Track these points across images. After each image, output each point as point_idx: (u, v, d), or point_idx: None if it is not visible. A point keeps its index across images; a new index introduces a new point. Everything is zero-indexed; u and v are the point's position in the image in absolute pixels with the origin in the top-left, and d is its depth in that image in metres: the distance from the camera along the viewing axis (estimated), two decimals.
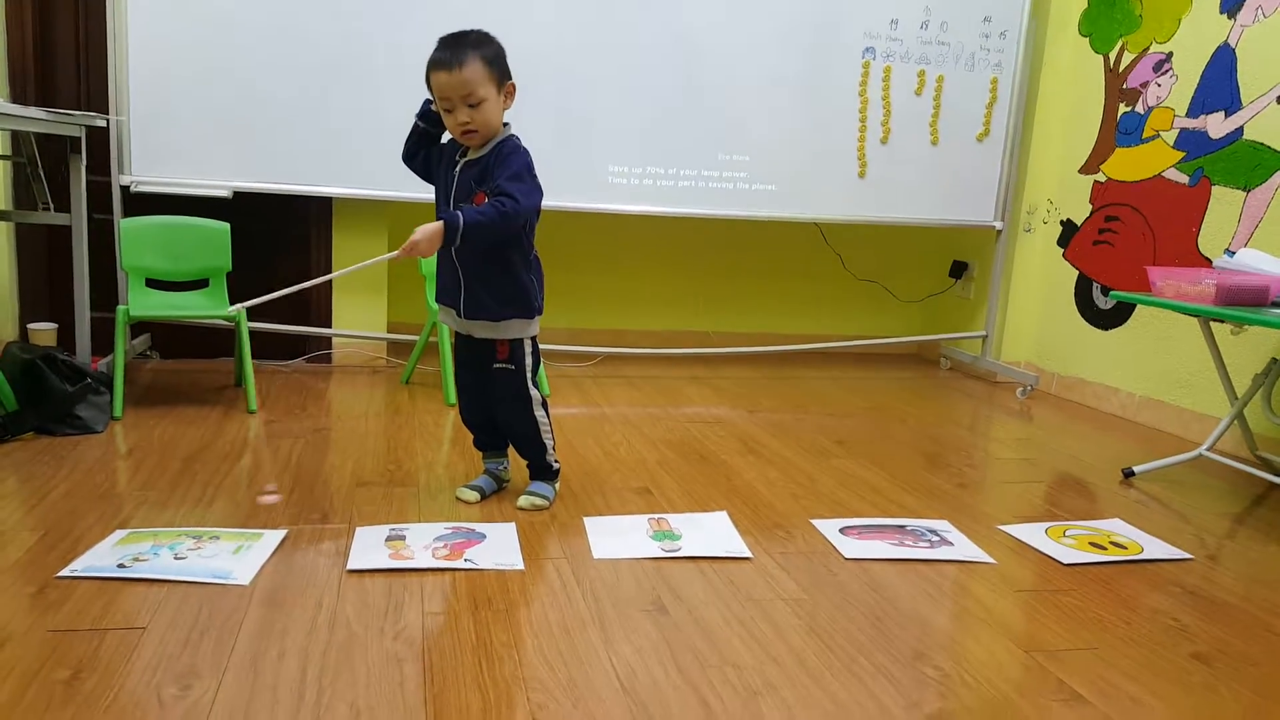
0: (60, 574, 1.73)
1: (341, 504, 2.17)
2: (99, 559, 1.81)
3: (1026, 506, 2.45)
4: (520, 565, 1.88)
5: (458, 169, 2.06)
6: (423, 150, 2.14)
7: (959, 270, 4.45)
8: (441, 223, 1.92)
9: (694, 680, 1.49)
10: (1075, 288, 3.91)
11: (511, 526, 2.07)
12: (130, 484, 2.25)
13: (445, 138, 2.12)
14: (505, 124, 2.07)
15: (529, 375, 2.14)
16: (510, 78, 2.04)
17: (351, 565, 1.83)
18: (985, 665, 1.59)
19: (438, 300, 2.17)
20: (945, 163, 3.94)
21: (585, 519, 2.14)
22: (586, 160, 3.55)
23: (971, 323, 4.36)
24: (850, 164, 3.85)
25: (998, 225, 4.06)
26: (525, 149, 2.05)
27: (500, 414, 2.20)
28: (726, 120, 3.66)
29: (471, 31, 2.00)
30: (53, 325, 3.31)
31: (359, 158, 3.32)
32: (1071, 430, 3.35)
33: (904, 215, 3.94)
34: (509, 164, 2.00)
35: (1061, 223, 3.99)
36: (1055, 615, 1.80)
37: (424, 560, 1.87)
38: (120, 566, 1.77)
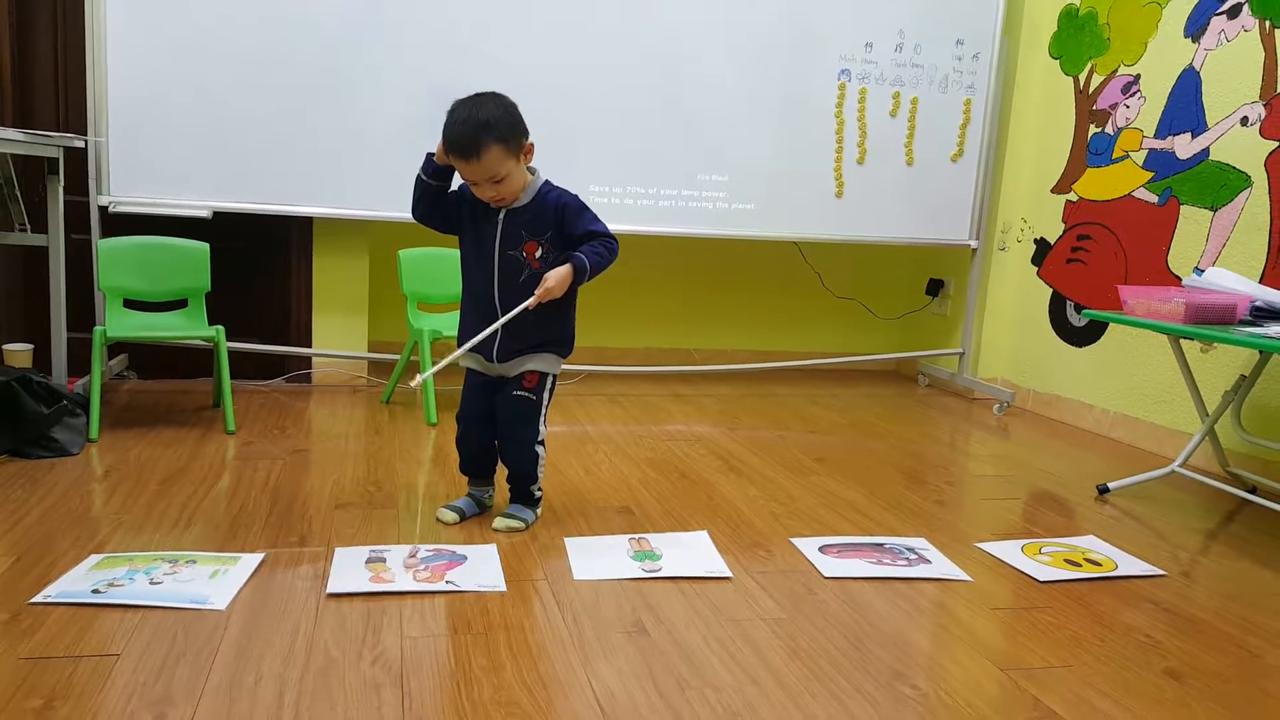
0: (33, 600, 1.71)
1: (320, 526, 2.16)
2: (73, 584, 1.79)
3: (1003, 523, 2.48)
4: (502, 587, 1.87)
5: (501, 218, 2.08)
6: (439, 206, 2.12)
7: (935, 288, 4.50)
8: (570, 266, 2.04)
9: (673, 702, 1.49)
10: (1049, 305, 3.96)
11: (493, 548, 2.07)
12: (106, 507, 2.23)
13: (456, 181, 2.11)
14: (531, 169, 2.09)
15: (543, 410, 2.17)
16: (527, 136, 2.04)
17: (331, 589, 1.83)
18: (963, 684, 1.60)
19: (460, 344, 2.15)
20: (921, 183, 3.99)
21: (566, 539, 2.14)
22: (568, 180, 3.53)
23: (948, 340, 4.41)
24: (828, 184, 3.89)
25: (973, 244, 4.12)
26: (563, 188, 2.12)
27: (505, 439, 2.19)
28: (706, 141, 3.70)
29: (484, 105, 1.96)
30: (29, 346, 3.28)
31: (339, 177, 3.32)
32: (1047, 446, 3.39)
33: (881, 234, 3.99)
34: (575, 210, 2.09)
35: (1035, 241, 4.05)
36: (1031, 633, 1.82)
37: (405, 583, 1.86)
38: (95, 592, 1.76)
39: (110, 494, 2.31)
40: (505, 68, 3.36)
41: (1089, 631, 1.83)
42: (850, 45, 3.81)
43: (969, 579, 2.06)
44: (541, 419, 2.18)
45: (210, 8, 3.14)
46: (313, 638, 1.64)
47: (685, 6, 3.60)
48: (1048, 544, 2.31)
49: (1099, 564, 2.18)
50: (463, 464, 2.29)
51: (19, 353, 3.26)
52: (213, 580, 1.84)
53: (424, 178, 2.07)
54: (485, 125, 1.93)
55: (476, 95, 2.00)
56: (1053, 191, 3.95)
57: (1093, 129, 3.75)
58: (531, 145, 2.06)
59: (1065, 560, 2.19)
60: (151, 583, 1.81)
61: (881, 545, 2.22)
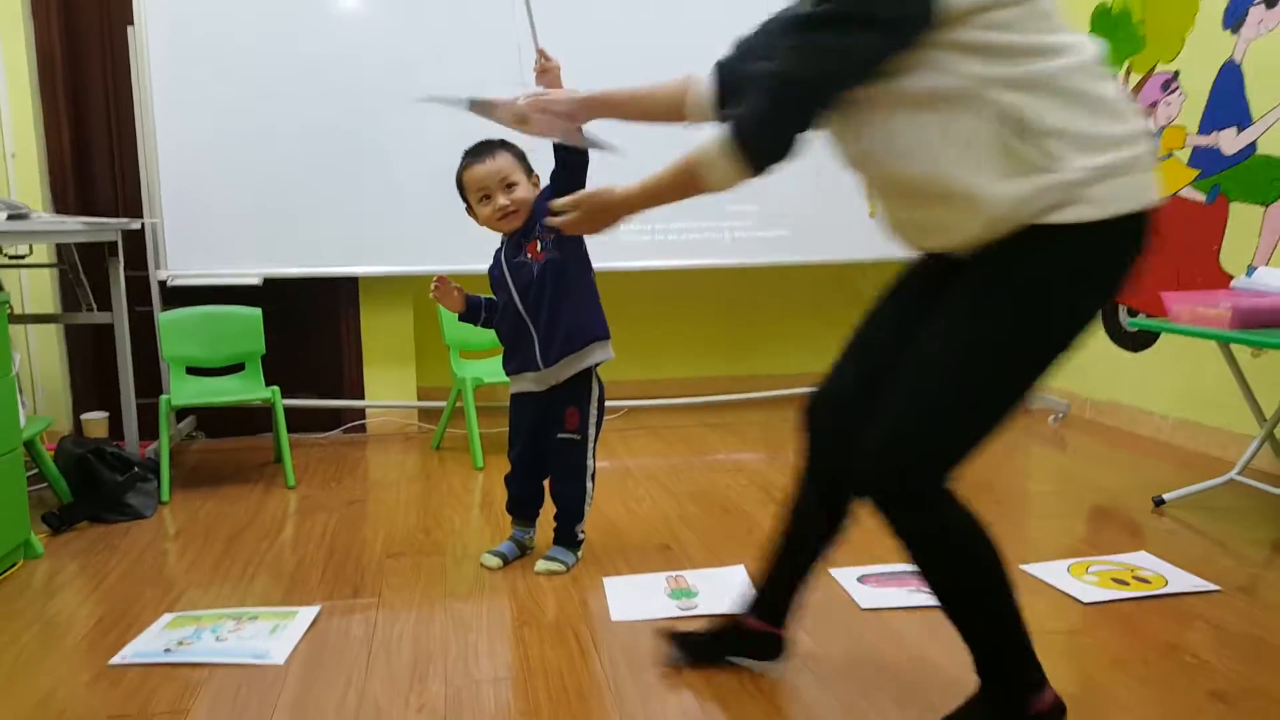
0: (112, 661, 1.83)
1: (372, 577, 2.26)
2: (148, 644, 1.91)
3: (1052, 543, 2.44)
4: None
5: (502, 239, 2.26)
6: (495, 311, 2.30)
7: None
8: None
9: None
10: (1103, 312, 3.88)
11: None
12: (177, 566, 2.36)
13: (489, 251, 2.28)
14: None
15: (590, 446, 2.25)
16: (534, 172, 2.22)
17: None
18: None
19: (509, 373, 2.30)
20: None
21: (605, 579, 2.20)
22: None
23: None
24: (861, 203, 3.88)
25: None
26: None
27: (555, 484, 2.29)
28: None
29: (493, 139, 2.19)
30: (104, 414, 3.49)
31: (381, 238, 3.48)
32: (1105, 457, 3.31)
33: None
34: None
35: None
36: (1072, 657, 1.80)
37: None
38: (167, 651, 1.87)
39: (181, 553, 2.45)
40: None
41: (1132, 654, 1.80)
42: None
43: None
44: (589, 454, 2.26)
45: (248, 89, 3.34)
46: (363, 688, 1.72)
47: (699, 30, 3.66)
48: (1096, 563, 2.27)
49: (1148, 581, 2.14)
50: (510, 502, 2.38)
51: (96, 421, 3.48)
52: (273, 635, 1.94)
53: (479, 321, 2.33)
54: (496, 141, 2.18)
55: None
56: None
57: None
58: (539, 179, 2.23)
59: (1112, 579, 2.15)
60: (218, 639, 1.92)
61: None
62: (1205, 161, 3.37)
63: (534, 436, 2.29)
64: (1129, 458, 3.30)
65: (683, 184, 1.42)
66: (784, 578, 1.67)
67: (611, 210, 1.52)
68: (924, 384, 1.33)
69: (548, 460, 2.29)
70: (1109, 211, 1.24)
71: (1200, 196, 3.39)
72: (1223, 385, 3.28)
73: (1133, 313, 3.69)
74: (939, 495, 1.36)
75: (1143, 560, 2.28)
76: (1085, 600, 2.04)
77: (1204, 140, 3.37)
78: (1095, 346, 3.90)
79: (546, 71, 2.00)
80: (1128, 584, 2.13)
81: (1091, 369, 3.94)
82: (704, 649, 1.77)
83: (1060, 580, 2.15)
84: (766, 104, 1.30)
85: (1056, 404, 3.91)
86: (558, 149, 2.06)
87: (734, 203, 3.76)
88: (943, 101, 1.24)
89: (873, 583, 2.15)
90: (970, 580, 1.39)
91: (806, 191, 3.81)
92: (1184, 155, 3.45)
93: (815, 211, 3.83)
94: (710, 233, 3.76)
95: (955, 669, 1.75)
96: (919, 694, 1.67)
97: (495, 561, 2.30)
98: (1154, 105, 3.58)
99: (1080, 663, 1.77)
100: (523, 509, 2.37)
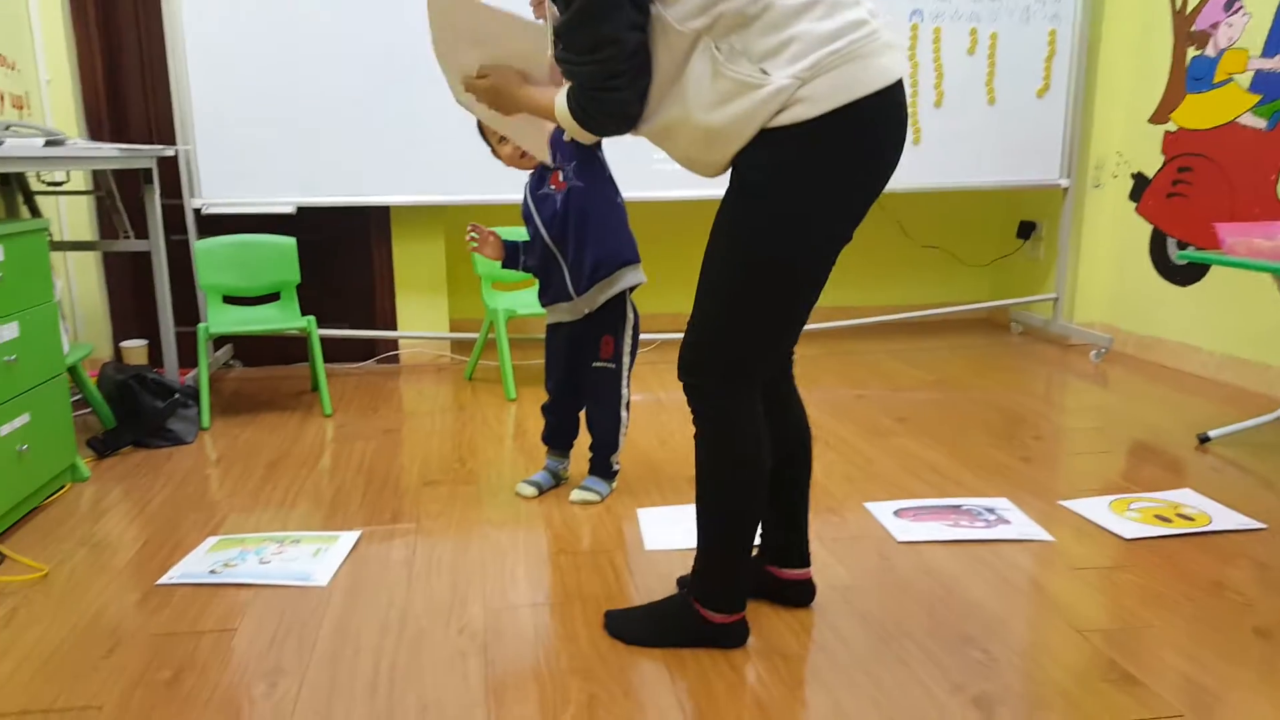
0: (160, 581, 1.88)
1: (410, 504, 2.28)
2: (193, 566, 1.96)
3: (1093, 479, 2.41)
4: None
5: (528, 176, 2.25)
6: (534, 251, 2.28)
7: (1027, 230, 4.34)
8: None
9: (739, 667, 1.54)
10: (1149, 243, 3.77)
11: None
12: (219, 491, 2.41)
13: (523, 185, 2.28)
14: None
15: (625, 374, 2.26)
16: None
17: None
18: (1035, 647, 1.59)
19: (544, 305, 2.30)
20: (1004, 122, 3.83)
21: (639, 510, 2.21)
22: (619, 151, 3.57)
23: (1042, 284, 4.25)
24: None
25: (1064, 183, 3.94)
26: None
27: (591, 412, 2.31)
28: None
29: None
30: (144, 342, 3.53)
31: (413, 166, 3.43)
32: (1148, 394, 3.25)
33: (964, 180, 3.85)
34: None
35: (1132, 176, 3.84)
36: (1112, 593, 1.78)
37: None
38: (212, 572, 1.92)
39: (223, 478, 2.50)
40: None
41: (1174, 590, 1.79)
42: None
43: (1050, 539, 2.03)
44: (623, 383, 2.26)
45: (281, 16, 3.28)
46: (405, 610, 1.75)
47: None
48: (1138, 499, 2.24)
49: (1191, 519, 2.11)
50: (545, 431, 2.39)
51: (135, 349, 3.52)
52: (315, 558, 1.98)
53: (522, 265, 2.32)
54: None
55: None
56: (1150, 122, 3.73)
57: (1192, 52, 3.52)
58: None
59: (1155, 516, 2.13)
60: (261, 562, 1.96)
61: (959, 507, 2.20)
62: (1268, 86, 3.21)
63: (571, 366, 2.29)
64: (1173, 394, 3.24)
65: (544, 108, 1.58)
66: (781, 517, 1.70)
67: (513, 100, 1.69)
68: (698, 296, 1.51)
69: (583, 390, 2.29)
70: (824, 108, 1.32)
71: (1260, 124, 3.24)
72: (1274, 320, 3.19)
73: (1182, 245, 3.58)
74: (714, 390, 1.50)
75: (1186, 497, 2.25)
76: (1127, 536, 2.02)
77: (1268, 64, 3.21)
78: (1139, 279, 3.80)
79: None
80: (1170, 521, 2.10)
81: (1135, 303, 3.85)
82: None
83: (1101, 517, 2.13)
84: (578, 93, 1.45)
85: (1098, 339, 3.83)
86: None
87: None
88: (670, 59, 1.38)
89: (909, 516, 2.14)
90: (712, 473, 1.53)
91: None
92: (1244, 80, 3.30)
93: None
94: None
95: (991, 602, 1.75)
96: (953, 626, 1.66)
97: (530, 491, 2.32)
98: (1214, 26, 3.41)
99: (1121, 599, 1.76)
100: (558, 439, 2.38)
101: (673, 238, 4.39)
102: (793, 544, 1.71)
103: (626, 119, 1.45)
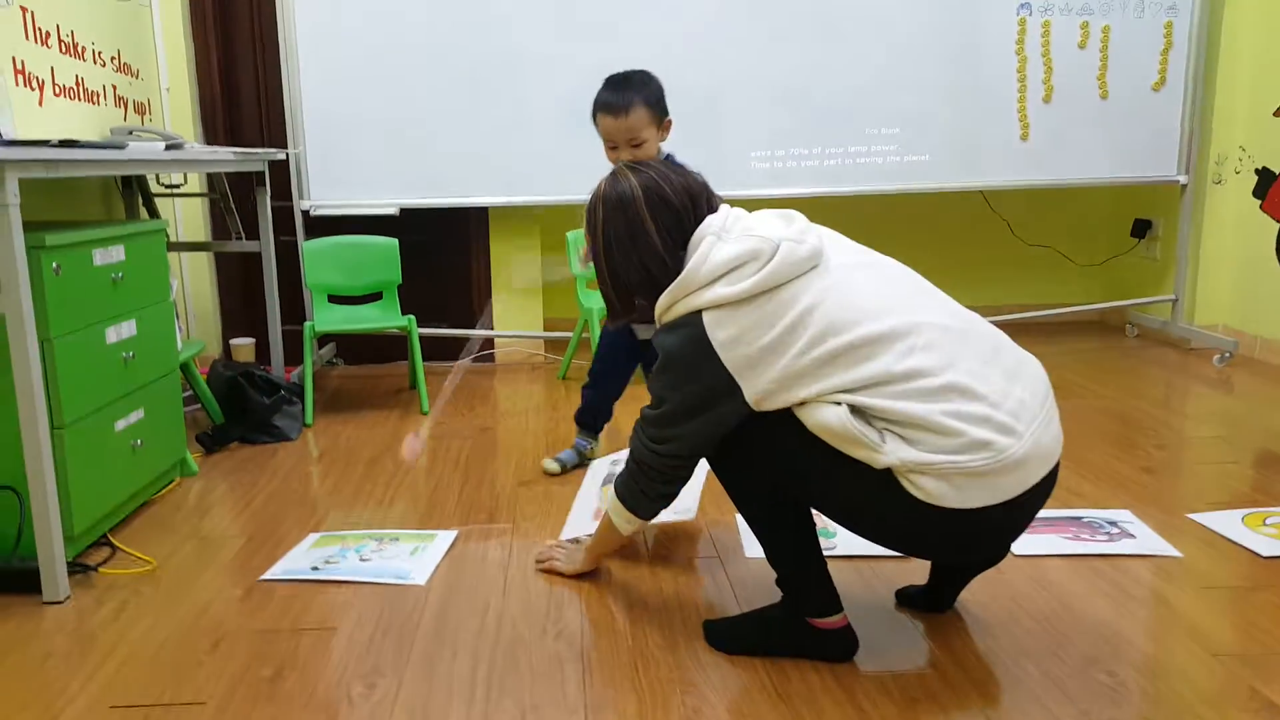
0: (263, 577, 1.92)
1: (506, 504, 2.29)
2: (295, 562, 1.99)
3: (1222, 491, 2.25)
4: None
5: None
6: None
7: (1142, 229, 4.11)
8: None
9: (848, 685, 1.47)
10: (1276, 242, 3.52)
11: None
12: (321, 487, 2.46)
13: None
14: (661, 150, 2.21)
15: None
16: (668, 114, 2.19)
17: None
18: (1167, 671, 1.49)
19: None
20: (1117, 117, 3.65)
21: (737, 517, 2.16)
22: (724, 146, 3.55)
23: (1159, 285, 4.02)
24: (1011, 126, 3.63)
25: (1182, 179, 3.72)
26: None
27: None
28: (871, 93, 3.54)
29: (635, 73, 2.16)
30: (251, 340, 3.66)
31: (510, 169, 3.49)
32: (1277, 400, 3.03)
33: (1074, 177, 3.69)
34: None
35: (1257, 171, 3.60)
36: (1249, 615, 1.65)
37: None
38: (314, 569, 1.95)
39: (325, 475, 2.55)
40: (655, 42, 3.38)
41: None
42: None
43: (1178, 555, 1.90)
44: None
45: (387, 25, 3.39)
46: (502, 613, 1.74)
47: None
48: (1274, 513, 2.08)
49: None
50: (581, 409, 2.48)
51: (243, 347, 3.65)
52: (413, 557, 1.99)
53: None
54: (635, 84, 2.15)
55: (628, 70, 2.17)
56: (1276, 115, 3.49)
57: None
58: (670, 123, 2.19)
59: None
60: (361, 559, 1.99)
61: (1079, 519, 2.08)
62: None
63: (626, 356, 2.36)
64: None
65: (612, 533, 1.73)
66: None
67: (580, 557, 1.88)
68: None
69: (645, 370, 2.32)
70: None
71: None
72: None
73: None
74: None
75: None
76: (1264, 554, 1.87)
77: None
78: (1268, 280, 3.55)
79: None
80: None
81: (1261, 304, 3.60)
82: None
83: (1234, 531, 1.98)
84: (629, 477, 1.61)
85: (1222, 342, 3.60)
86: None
87: (872, 126, 3.58)
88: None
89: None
90: (740, 498, 1.58)
91: (951, 114, 3.59)
92: None
93: (960, 136, 3.61)
94: (844, 158, 3.61)
95: (1116, 621, 1.64)
96: (1075, 646, 1.56)
97: (554, 466, 2.46)
98: None
99: (1259, 620, 1.63)
100: (590, 418, 2.47)
101: None
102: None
103: (665, 495, 1.60)
